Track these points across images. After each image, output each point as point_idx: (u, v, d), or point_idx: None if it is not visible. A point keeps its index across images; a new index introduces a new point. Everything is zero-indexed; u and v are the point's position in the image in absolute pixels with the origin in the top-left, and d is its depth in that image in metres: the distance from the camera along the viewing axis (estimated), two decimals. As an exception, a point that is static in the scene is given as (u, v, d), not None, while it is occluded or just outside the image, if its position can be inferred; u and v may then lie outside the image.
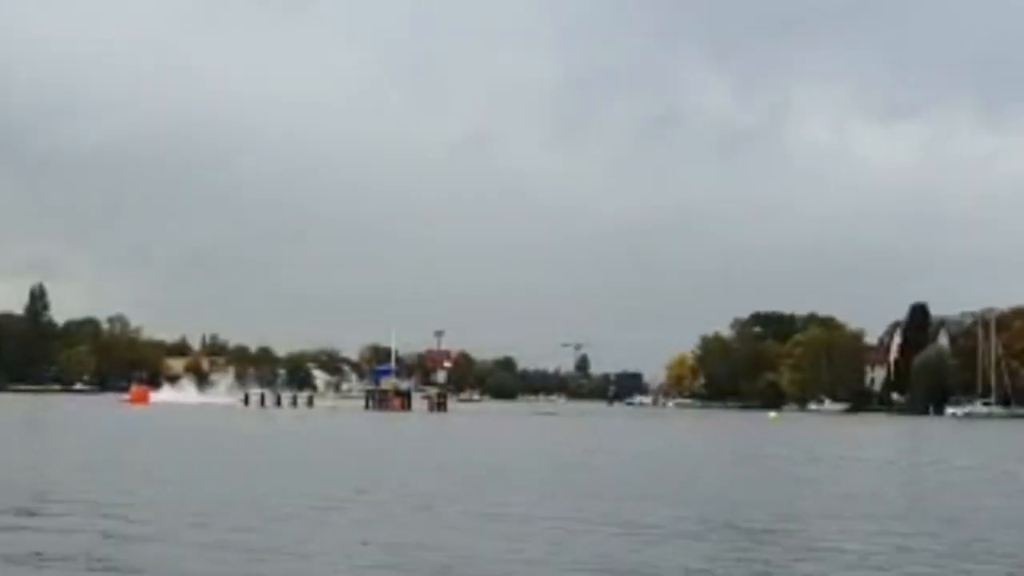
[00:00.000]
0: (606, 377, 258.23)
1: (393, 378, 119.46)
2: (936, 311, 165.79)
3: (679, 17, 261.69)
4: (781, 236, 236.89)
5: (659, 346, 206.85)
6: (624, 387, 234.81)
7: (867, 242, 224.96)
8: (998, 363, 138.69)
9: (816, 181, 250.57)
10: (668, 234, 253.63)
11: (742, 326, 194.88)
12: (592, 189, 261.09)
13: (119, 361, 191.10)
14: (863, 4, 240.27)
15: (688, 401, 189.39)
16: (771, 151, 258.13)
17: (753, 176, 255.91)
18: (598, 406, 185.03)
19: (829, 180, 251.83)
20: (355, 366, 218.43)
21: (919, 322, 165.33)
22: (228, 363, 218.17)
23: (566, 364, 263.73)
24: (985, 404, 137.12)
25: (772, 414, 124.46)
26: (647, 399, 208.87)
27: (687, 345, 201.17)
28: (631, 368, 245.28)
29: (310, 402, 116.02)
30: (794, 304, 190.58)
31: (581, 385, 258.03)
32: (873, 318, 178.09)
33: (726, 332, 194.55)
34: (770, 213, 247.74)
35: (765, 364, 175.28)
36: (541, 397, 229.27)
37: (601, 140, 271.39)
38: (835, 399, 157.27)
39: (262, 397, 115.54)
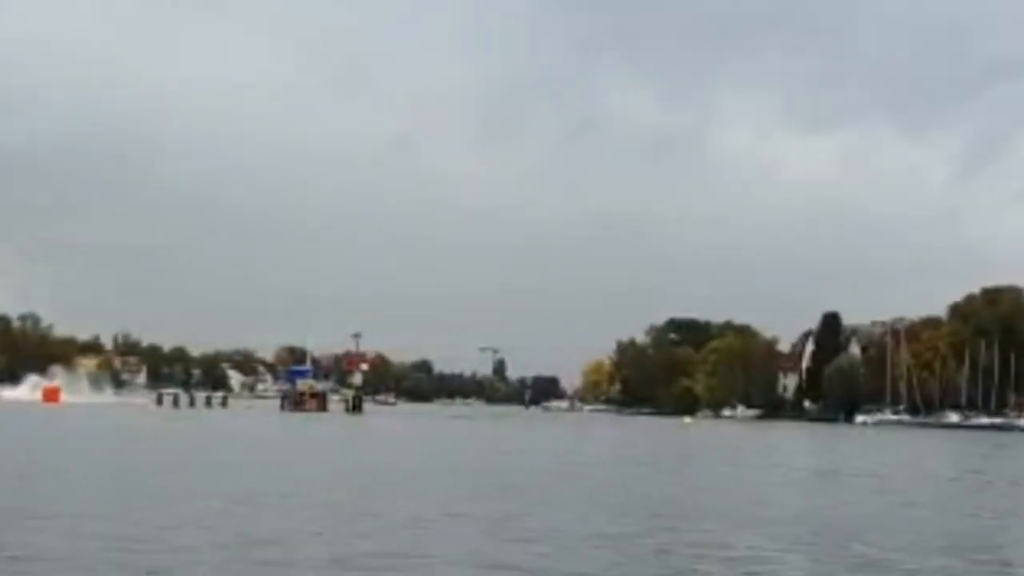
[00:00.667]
0: (523, 381, 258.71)
1: (309, 379, 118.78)
2: (848, 320, 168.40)
3: (605, 23, 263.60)
4: (699, 244, 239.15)
5: (576, 351, 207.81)
6: (541, 391, 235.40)
7: (784, 251, 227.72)
8: (907, 372, 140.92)
9: (737, 190, 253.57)
10: (588, 240, 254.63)
11: (658, 332, 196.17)
12: (514, 194, 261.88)
13: (29, 358, 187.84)
14: (789, 15, 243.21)
15: (604, 406, 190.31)
16: (694, 159, 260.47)
17: (675, 184, 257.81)
18: (514, 410, 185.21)
19: (750, 189, 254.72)
20: (270, 367, 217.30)
21: (831, 331, 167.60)
22: (142, 362, 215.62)
23: (483, 368, 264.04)
24: (894, 412, 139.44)
25: (687, 420, 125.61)
26: (563, 404, 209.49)
27: (604, 351, 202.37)
28: (548, 373, 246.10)
29: (224, 402, 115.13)
30: (710, 312, 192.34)
31: (498, 389, 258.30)
32: (787, 326, 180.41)
33: (642, 338, 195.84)
34: (689, 221, 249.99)
35: (680, 370, 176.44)
36: (458, 401, 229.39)
37: (525, 145, 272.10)
38: (748, 406, 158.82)
39: (175, 397, 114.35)
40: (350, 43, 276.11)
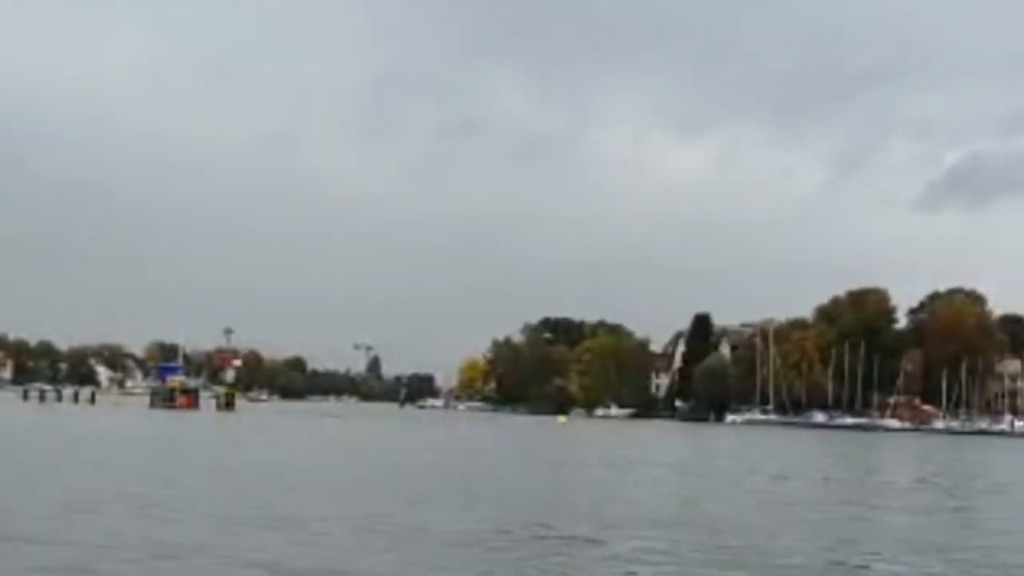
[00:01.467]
0: (398, 379, 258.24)
1: (180, 376, 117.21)
2: (719, 321, 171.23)
3: (485, 24, 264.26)
4: (575, 244, 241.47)
5: (452, 349, 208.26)
6: (416, 389, 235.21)
7: (657, 252, 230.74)
8: (776, 372, 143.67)
9: (612, 191, 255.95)
10: (465, 238, 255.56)
11: (532, 331, 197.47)
12: (391, 191, 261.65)
13: None
14: (665, 19, 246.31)
15: (479, 404, 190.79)
16: (569, 160, 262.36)
17: (551, 184, 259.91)
18: (389, 408, 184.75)
19: (625, 191, 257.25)
20: (141, 363, 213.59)
21: (702, 332, 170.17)
22: (7, 357, 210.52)
23: (358, 366, 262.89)
24: (763, 412, 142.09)
25: (561, 419, 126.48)
26: (439, 402, 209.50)
27: (479, 349, 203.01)
28: (423, 371, 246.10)
29: (92, 399, 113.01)
30: (584, 311, 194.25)
31: (372, 387, 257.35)
32: (660, 327, 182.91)
33: (517, 337, 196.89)
34: (565, 221, 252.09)
35: (555, 369, 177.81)
36: (332, 398, 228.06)
37: (404, 142, 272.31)
38: (622, 405, 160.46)
39: (42, 393, 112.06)
40: (230, 37, 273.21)
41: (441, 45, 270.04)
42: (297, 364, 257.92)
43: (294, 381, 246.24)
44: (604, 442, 67.66)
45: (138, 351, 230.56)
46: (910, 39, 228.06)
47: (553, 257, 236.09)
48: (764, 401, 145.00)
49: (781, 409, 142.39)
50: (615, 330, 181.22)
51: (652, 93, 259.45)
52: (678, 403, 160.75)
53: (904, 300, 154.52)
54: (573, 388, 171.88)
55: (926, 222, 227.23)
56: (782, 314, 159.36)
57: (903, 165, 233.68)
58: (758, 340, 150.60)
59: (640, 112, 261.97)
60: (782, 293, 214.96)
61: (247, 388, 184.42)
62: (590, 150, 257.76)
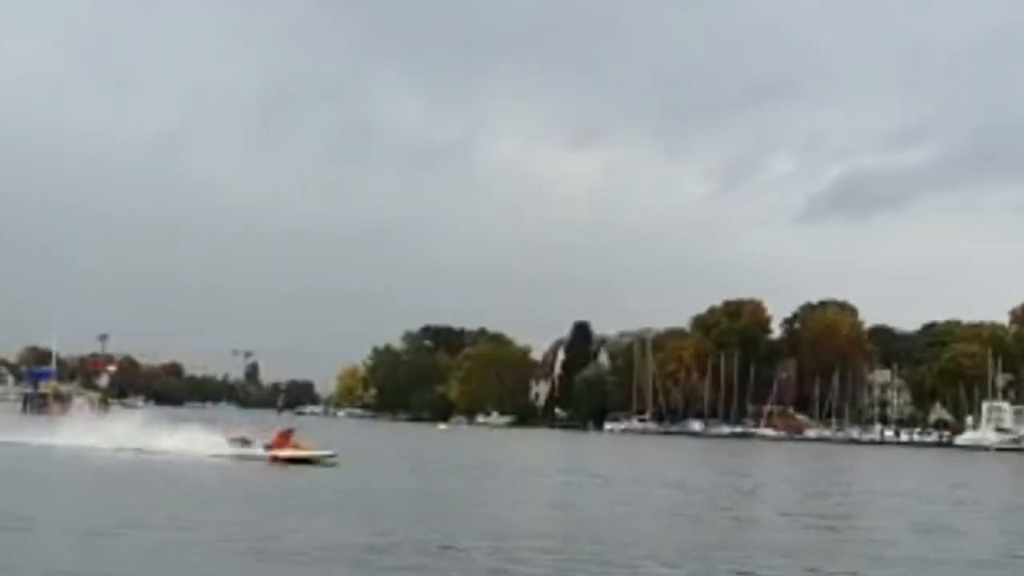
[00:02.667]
0: (276, 386, 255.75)
1: (53, 381, 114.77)
2: (599, 330, 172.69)
3: (380, 31, 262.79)
4: (459, 252, 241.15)
5: (331, 356, 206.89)
6: (295, 396, 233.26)
7: (542, 261, 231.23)
8: (653, 381, 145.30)
9: (502, 200, 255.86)
10: (349, 245, 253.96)
11: (413, 339, 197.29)
12: (279, 196, 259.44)
13: None
14: (558, 30, 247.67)
15: (359, 411, 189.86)
16: (462, 168, 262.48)
17: (442, 192, 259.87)
18: (266, 415, 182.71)
19: (515, 199, 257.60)
20: (13, 368, 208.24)
21: (582, 340, 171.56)
22: None
23: (236, 371, 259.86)
24: (641, 420, 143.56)
25: (442, 426, 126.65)
26: (318, 408, 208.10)
27: (359, 356, 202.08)
28: (302, 377, 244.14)
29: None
30: (465, 319, 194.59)
31: (251, 393, 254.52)
32: (540, 335, 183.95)
33: (398, 344, 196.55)
34: (452, 229, 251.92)
35: (435, 377, 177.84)
36: (208, 404, 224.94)
37: (294, 148, 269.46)
38: (502, 412, 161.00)
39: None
40: (122, 38, 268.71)
41: (334, 51, 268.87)
42: (174, 370, 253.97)
43: (171, 387, 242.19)
44: (485, 449, 67.90)
45: (11, 356, 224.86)
46: (799, 54, 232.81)
47: (436, 265, 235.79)
48: (642, 410, 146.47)
49: (659, 418, 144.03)
50: (496, 338, 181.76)
51: (544, 103, 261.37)
52: (558, 411, 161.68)
53: (782, 311, 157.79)
54: (453, 395, 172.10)
55: (807, 235, 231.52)
56: (663, 323, 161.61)
57: (787, 178, 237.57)
58: (636, 349, 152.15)
59: (531, 121, 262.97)
60: (663, 303, 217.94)
61: (122, 394, 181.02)
62: (481, 158, 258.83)
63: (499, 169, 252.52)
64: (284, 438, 43.61)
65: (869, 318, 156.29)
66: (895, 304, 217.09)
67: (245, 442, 44.03)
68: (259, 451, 42.90)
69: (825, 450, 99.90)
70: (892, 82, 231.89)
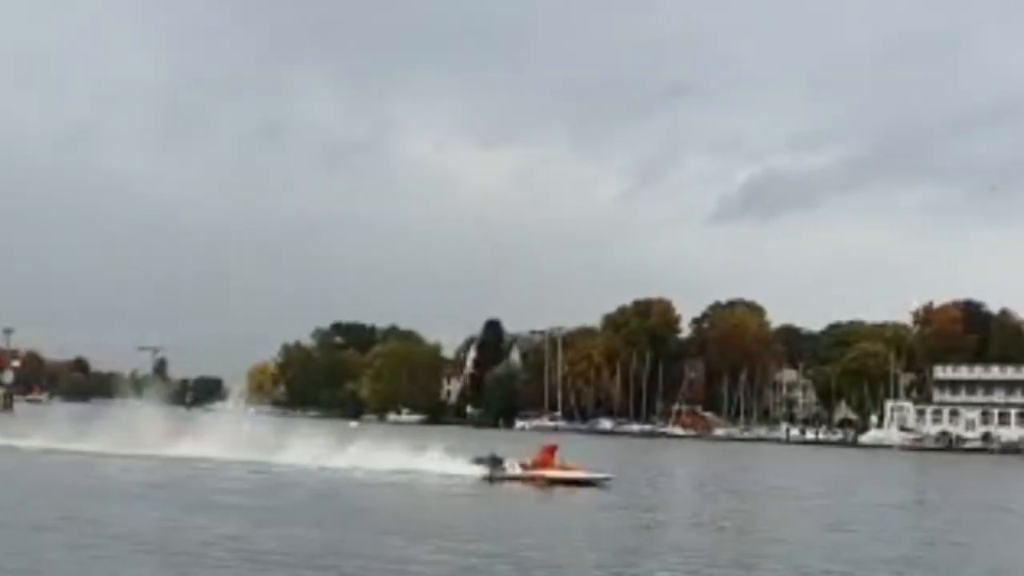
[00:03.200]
0: (184, 382, 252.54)
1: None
2: (510, 328, 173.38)
3: (291, 28, 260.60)
4: (372, 249, 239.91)
5: (241, 353, 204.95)
6: (203, 393, 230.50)
7: (455, 260, 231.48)
8: (564, 380, 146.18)
9: (415, 198, 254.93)
10: (260, 242, 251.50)
11: (323, 336, 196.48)
12: (192, 193, 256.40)
13: None
14: (472, 30, 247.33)
15: (268, 409, 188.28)
16: (375, 166, 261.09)
17: (355, 190, 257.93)
18: (175, 411, 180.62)
19: (428, 198, 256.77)
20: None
21: (493, 338, 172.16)
22: None
23: (143, 367, 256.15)
24: (552, 418, 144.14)
25: (353, 424, 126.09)
26: (227, 405, 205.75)
27: (270, 353, 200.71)
28: (211, 374, 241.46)
29: None
30: (377, 317, 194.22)
31: (158, 389, 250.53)
32: (453, 332, 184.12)
33: (308, 341, 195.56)
34: (365, 227, 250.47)
35: (346, 374, 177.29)
36: (116, 400, 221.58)
37: (207, 145, 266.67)
38: (413, 410, 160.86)
39: None
40: (31, 32, 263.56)
41: (247, 48, 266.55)
42: (80, 366, 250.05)
43: (76, 382, 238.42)
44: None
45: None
46: (712, 58, 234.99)
47: (348, 262, 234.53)
48: (553, 407, 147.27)
49: (569, 416, 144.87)
50: (407, 335, 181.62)
51: (458, 102, 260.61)
52: (469, 409, 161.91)
53: (692, 311, 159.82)
54: (364, 393, 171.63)
55: (717, 235, 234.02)
56: (575, 322, 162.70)
57: (699, 179, 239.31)
58: (548, 347, 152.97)
59: (445, 120, 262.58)
60: (575, 301, 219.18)
61: (27, 389, 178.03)
62: (395, 156, 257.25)
63: (413, 168, 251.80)
64: (548, 455, 39.29)
65: (776, 318, 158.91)
66: (801, 304, 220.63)
67: (495, 462, 39.48)
68: (515, 471, 38.76)
69: (733, 449, 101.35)
70: (802, 86, 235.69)
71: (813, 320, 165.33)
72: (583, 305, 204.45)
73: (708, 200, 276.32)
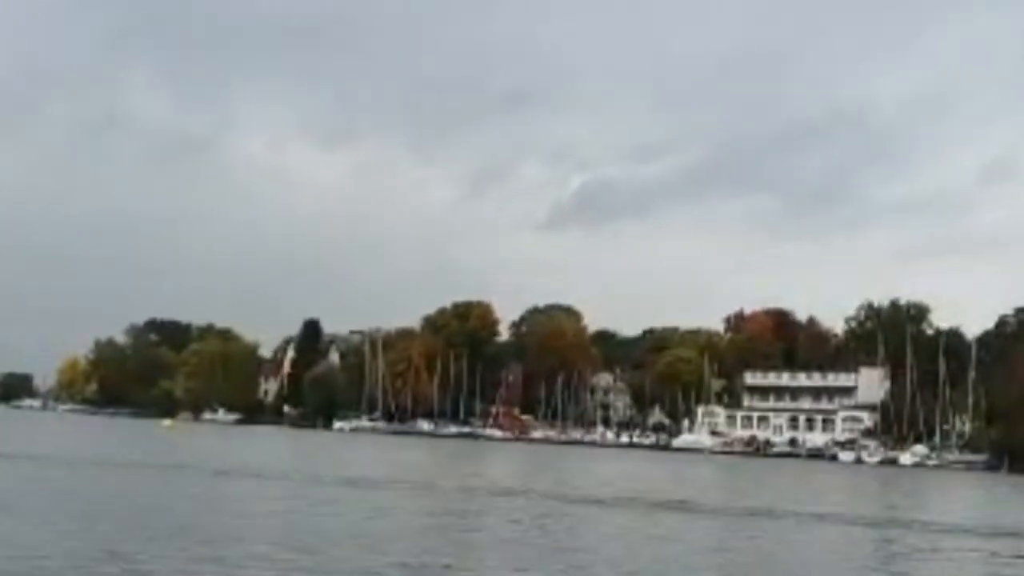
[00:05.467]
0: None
1: None
2: (330, 329, 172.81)
3: (127, 20, 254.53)
4: (193, 247, 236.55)
5: (52, 349, 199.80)
6: (12, 389, 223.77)
7: (279, 259, 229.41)
8: (383, 380, 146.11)
9: (247, 197, 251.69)
10: (84, 236, 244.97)
11: (138, 333, 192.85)
12: (15, 186, 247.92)
13: None
14: (311, 30, 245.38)
15: (80, 406, 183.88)
16: (209, 164, 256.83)
17: (186, 187, 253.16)
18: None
19: (261, 197, 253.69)
20: None
21: (312, 338, 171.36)
22: None
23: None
24: (371, 419, 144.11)
25: (166, 422, 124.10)
26: (36, 402, 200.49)
27: (82, 349, 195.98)
28: (20, 369, 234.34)
29: None
30: (198, 315, 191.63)
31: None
32: (272, 332, 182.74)
33: (122, 338, 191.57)
34: (195, 225, 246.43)
35: (160, 372, 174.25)
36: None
37: (37, 137, 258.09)
38: (229, 409, 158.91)
39: None
40: None
41: (81, 39, 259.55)
42: None
43: None
44: (210, 448, 67.25)
45: None
46: (551, 67, 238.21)
47: (168, 260, 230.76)
48: (372, 408, 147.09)
49: (388, 417, 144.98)
50: (224, 334, 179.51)
51: (296, 101, 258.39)
52: (287, 409, 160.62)
53: (515, 314, 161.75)
54: (179, 391, 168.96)
55: (547, 242, 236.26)
56: (402, 323, 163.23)
57: (533, 186, 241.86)
58: (366, 348, 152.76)
59: (283, 119, 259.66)
60: (405, 304, 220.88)
61: None
62: (230, 154, 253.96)
63: (247, 166, 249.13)
64: None
65: (596, 323, 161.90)
66: (622, 310, 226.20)
67: None
68: None
69: (549, 450, 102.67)
70: (639, 97, 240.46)
71: (633, 326, 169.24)
72: (410, 307, 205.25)
73: (541, 207, 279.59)
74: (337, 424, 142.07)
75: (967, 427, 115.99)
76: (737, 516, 34.66)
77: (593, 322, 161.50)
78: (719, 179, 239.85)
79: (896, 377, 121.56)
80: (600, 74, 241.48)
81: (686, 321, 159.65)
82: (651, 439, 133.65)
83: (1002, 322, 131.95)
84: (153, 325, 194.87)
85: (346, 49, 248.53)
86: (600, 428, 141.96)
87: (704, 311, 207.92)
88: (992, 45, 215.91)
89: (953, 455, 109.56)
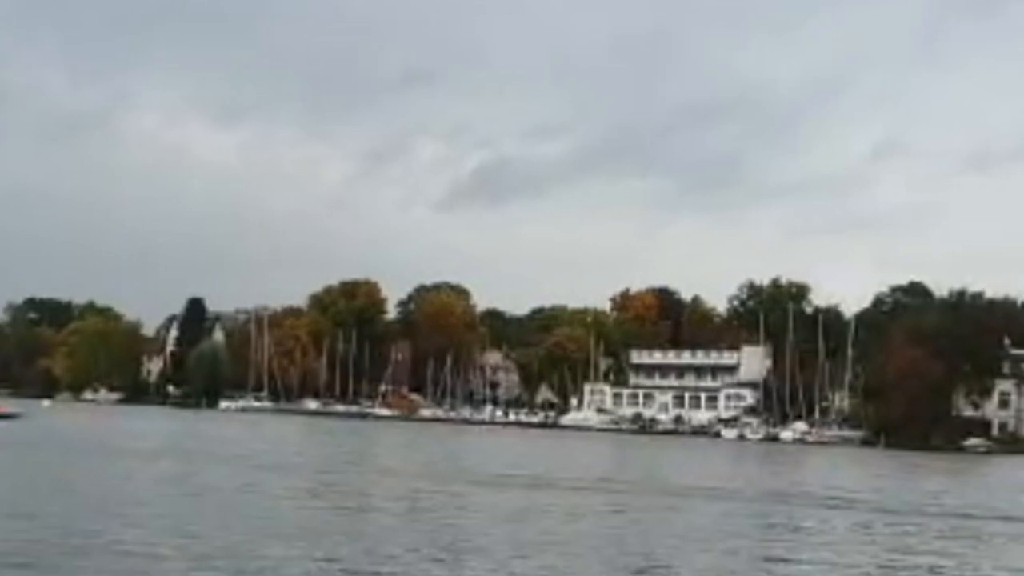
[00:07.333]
0: None
1: None
2: (215, 307, 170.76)
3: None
4: (77, 224, 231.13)
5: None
6: None
7: (166, 237, 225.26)
8: (269, 359, 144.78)
9: (139, 173, 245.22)
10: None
11: (16, 311, 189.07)
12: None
13: None
14: (205, 5, 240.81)
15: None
16: (101, 140, 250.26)
17: (77, 163, 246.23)
18: None
19: (153, 173, 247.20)
20: None
21: (196, 316, 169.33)
22: None
23: None
24: (257, 399, 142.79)
25: (46, 403, 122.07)
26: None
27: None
28: None
29: None
30: (75, 292, 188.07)
31: None
32: (157, 310, 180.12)
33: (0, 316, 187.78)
34: (74, 200, 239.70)
35: (40, 351, 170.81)
36: None
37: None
38: (111, 389, 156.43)
39: None
40: None
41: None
42: None
43: None
44: (87, 428, 66.34)
45: None
46: (450, 43, 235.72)
47: (50, 237, 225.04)
48: (258, 388, 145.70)
49: (275, 396, 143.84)
50: (104, 312, 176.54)
51: (189, 78, 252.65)
52: (171, 388, 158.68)
53: (404, 293, 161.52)
54: (59, 370, 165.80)
55: (443, 220, 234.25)
56: (290, 302, 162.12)
57: (429, 165, 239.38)
58: (252, 326, 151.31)
59: (178, 96, 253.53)
60: (294, 282, 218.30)
61: None
62: (123, 130, 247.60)
63: (140, 143, 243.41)
64: None
65: (483, 302, 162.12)
66: (514, 289, 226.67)
67: None
68: None
69: (439, 429, 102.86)
70: (536, 76, 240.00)
71: (522, 305, 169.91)
72: (299, 286, 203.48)
73: (437, 185, 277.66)
74: (223, 404, 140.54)
75: (845, 404, 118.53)
76: (619, 493, 35.08)
77: (482, 301, 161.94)
78: (616, 159, 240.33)
79: (777, 355, 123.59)
80: (499, 53, 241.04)
81: (576, 301, 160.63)
82: (539, 417, 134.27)
83: (879, 300, 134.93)
84: (32, 303, 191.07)
85: (243, 26, 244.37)
86: (489, 407, 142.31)
87: (594, 291, 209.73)
88: (882, 26, 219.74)
89: (832, 431, 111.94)
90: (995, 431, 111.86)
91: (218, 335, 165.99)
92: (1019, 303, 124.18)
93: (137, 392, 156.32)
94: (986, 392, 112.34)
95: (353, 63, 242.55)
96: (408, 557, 18.44)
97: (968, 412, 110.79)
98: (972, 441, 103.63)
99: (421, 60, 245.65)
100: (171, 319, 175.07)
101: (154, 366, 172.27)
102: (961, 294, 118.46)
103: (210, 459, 42.53)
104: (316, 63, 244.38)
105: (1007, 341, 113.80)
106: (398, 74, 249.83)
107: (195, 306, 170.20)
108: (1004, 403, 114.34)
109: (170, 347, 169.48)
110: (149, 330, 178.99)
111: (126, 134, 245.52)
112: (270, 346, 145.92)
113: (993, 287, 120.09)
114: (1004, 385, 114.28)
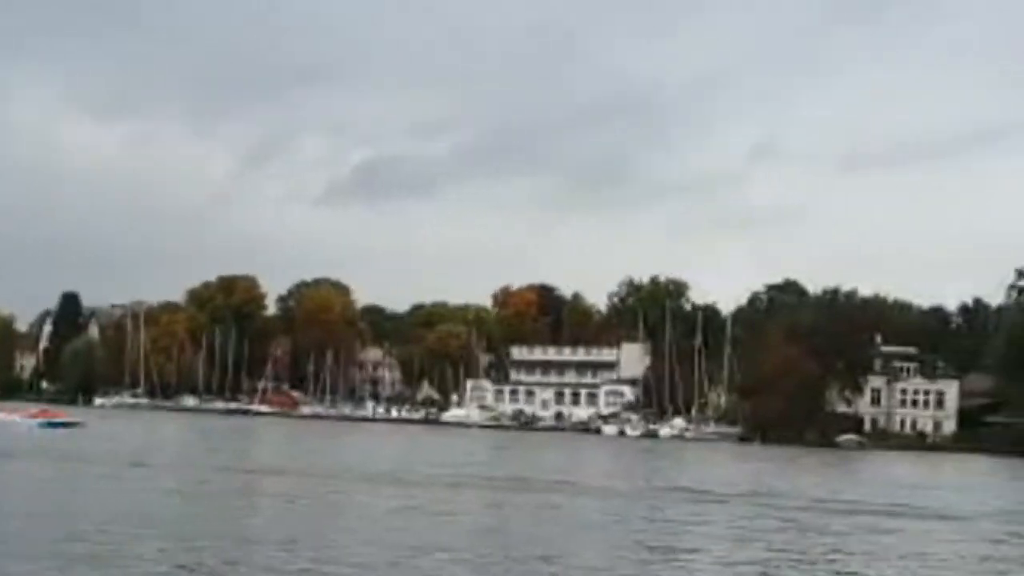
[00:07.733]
0: None
1: None
2: (91, 302, 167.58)
3: None
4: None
5: None
6: None
7: (39, 231, 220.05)
8: (145, 356, 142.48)
9: (16, 168, 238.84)
10: None
11: None
12: None
13: None
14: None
15: None
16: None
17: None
18: None
19: (31, 168, 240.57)
20: None
21: (70, 312, 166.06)
22: None
23: None
24: (133, 395, 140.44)
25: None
26: None
27: None
28: None
29: None
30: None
31: None
32: (30, 306, 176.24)
33: None
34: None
35: None
36: None
37: None
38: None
39: None
40: None
41: None
42: None
43: None
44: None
45: None
46: (336, 40, 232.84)
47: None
48: (135, 384, 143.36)
49: (152, 392, 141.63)
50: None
51: (73, 72, 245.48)
52: (45, 385, 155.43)
53: (283, 289, 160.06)
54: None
55: (323, 217, 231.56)
56: (166, 297, 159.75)
57: (312, 161, 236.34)
58: (128, 322, 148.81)
59: (59, 90, 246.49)
60: (171, 277, 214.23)
61: None
62: (5, 124, 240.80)
63: (17, 138, 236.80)
64: None
65: (364, 298, 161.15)
66: (395, 286, 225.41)
67: None
68: None
69: (319, 426, 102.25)
70: (423, 73, 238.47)
71: (403, 302, 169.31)
72: (177, 282, 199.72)
73: (319, 182, 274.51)
74: (98, 400, 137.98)
75: (723, 400, 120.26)
76: (500, 490, 35.28)
77: (362, 297, 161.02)
78: (503, 158, 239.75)
79: (656, 352, 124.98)
80: (385, 50, 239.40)
81: (458, 298, 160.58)
82: (421, 414, 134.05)
83: (755, 298, 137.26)
84: None
85: (126, 20, 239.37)
86: (370, 403, 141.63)
87: (477, 288, 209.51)
88: (766, 29, 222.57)
89: (709, 428, 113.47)
90: (867, 427, 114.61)
91: (93, 331, 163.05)
92: (890, 301, 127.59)
93: (9, 389, 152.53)
94: (858, 389, 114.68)
95: (239, 60, 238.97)
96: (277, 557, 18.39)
97: (841, 408, 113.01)
98: (845, 437, 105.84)
99: (309, 57, 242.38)
100: (45, 314, 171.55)
101: (27, 362, 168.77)
102: (835, 292, 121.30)
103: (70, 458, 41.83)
104: (201, 59, 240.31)
105: (878, 339, 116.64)
106: (284, 71, 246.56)
107: (69, 301, 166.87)
108: (875, 400, 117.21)
109: (44, 343, 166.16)
110: (22, 325, 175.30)
111: (3, 129, 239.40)
112: (146, 342, 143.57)
113: (865, 286, 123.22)
114: (876, 382, 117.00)
